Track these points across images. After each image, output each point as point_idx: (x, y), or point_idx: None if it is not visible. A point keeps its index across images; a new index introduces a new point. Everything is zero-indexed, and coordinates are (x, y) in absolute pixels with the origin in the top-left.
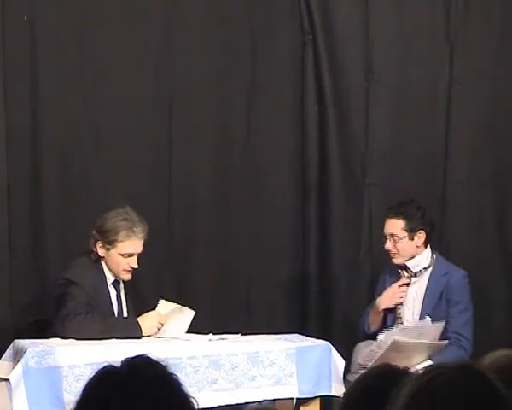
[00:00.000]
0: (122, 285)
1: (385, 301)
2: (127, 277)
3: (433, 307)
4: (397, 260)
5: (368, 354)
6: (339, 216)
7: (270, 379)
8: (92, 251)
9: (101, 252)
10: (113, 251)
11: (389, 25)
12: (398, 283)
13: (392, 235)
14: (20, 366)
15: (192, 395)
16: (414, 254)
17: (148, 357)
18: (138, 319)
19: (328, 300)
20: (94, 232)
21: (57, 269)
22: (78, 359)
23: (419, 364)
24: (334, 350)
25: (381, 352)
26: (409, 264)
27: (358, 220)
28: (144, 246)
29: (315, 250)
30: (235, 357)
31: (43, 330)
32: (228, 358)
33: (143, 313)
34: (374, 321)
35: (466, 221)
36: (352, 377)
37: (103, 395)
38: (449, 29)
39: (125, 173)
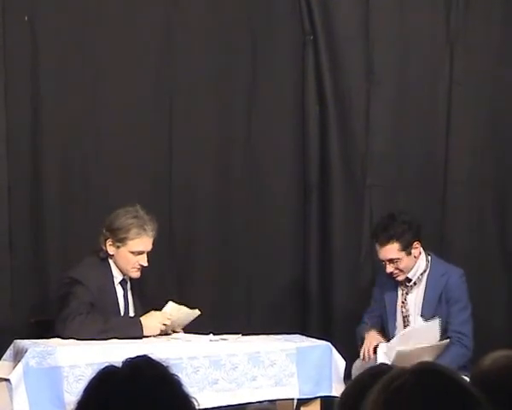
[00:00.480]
0: (129, 285)
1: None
2: (136, 274)
3: (434, 310)
4: (401, 278)
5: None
6: (339, 217)
7: (271, 380)
8: (101, 249)
9: (110, 250)
10: (123, 249)
11: (390, 25)
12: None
13: (391, 260)
14: (20, 366)
15: (193, 395)
16: (414, 264)
17: (149, 357)
18: (141, 318)
19: (329, 300)
20: (104, 230)
21: (57, 269)
22: (79, 359)
23: None
24: (334, 351)
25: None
26: (409, 275)
27: (359, 221)
28: (153, 244)
29: (315, 251)
30: (236, 357)
31: (43, 331)
32: (228, 358)
33: (147, 312)
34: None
35: (466, 221)
36: None
37: (104, 395)
38: (449, 29)
39: (125, 173)
